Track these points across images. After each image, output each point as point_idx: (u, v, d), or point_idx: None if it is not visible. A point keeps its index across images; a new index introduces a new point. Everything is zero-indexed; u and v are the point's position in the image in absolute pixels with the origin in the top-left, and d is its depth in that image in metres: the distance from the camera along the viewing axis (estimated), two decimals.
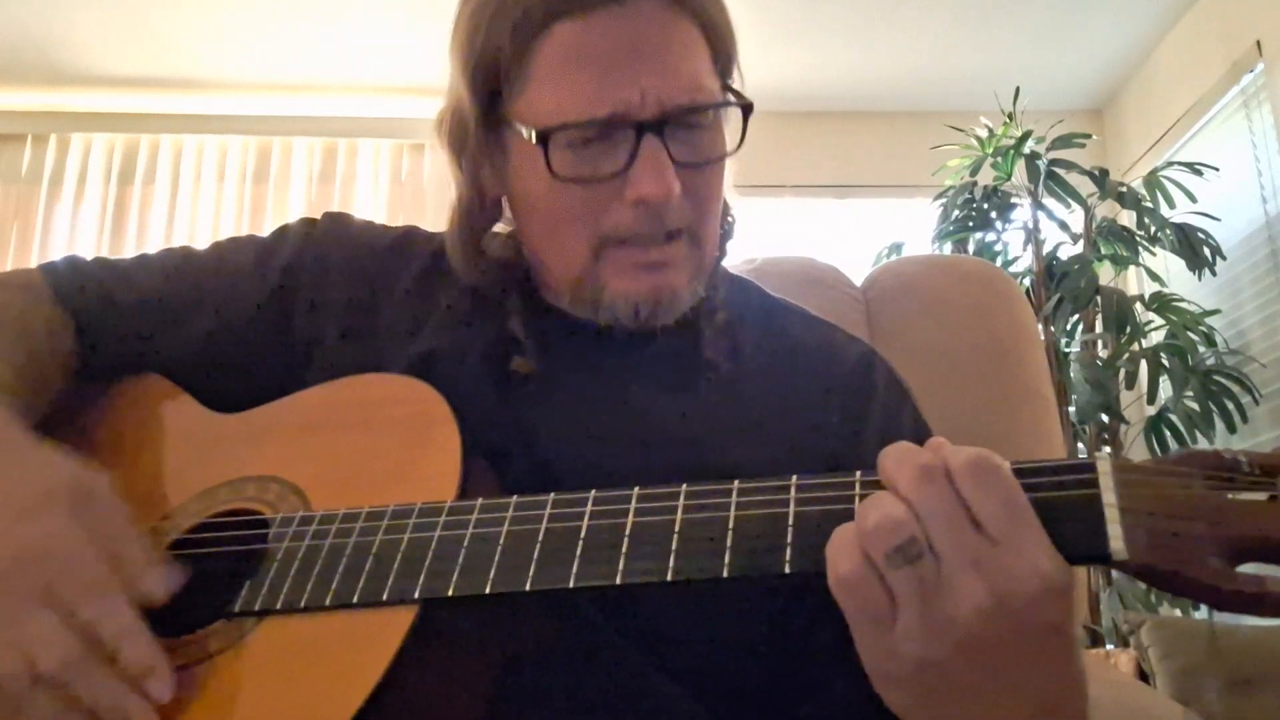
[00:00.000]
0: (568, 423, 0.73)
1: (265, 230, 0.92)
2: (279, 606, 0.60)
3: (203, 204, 3.94)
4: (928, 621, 0.45)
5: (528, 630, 0.64)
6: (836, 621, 0.49)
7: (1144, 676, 2.21)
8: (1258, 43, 3.14)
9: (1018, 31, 3.60)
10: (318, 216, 0.91)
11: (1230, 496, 0.44)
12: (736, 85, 0.78)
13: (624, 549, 0.54)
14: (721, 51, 0.74)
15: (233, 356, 0.82)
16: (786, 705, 0.69)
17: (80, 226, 3.88)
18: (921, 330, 1.21)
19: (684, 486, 0.56)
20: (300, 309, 0.83)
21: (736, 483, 0.54)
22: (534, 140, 0.69)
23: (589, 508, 0.57)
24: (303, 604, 0.59)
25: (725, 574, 0.51)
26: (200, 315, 0.83)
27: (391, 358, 0.76)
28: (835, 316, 1.24)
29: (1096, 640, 2.72)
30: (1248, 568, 0.45)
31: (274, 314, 0.83)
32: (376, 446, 0.69)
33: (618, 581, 0.53)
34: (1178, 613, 2.78)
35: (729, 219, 0.83)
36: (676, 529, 0.54)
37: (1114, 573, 2.80)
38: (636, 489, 0.57)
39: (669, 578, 0.52)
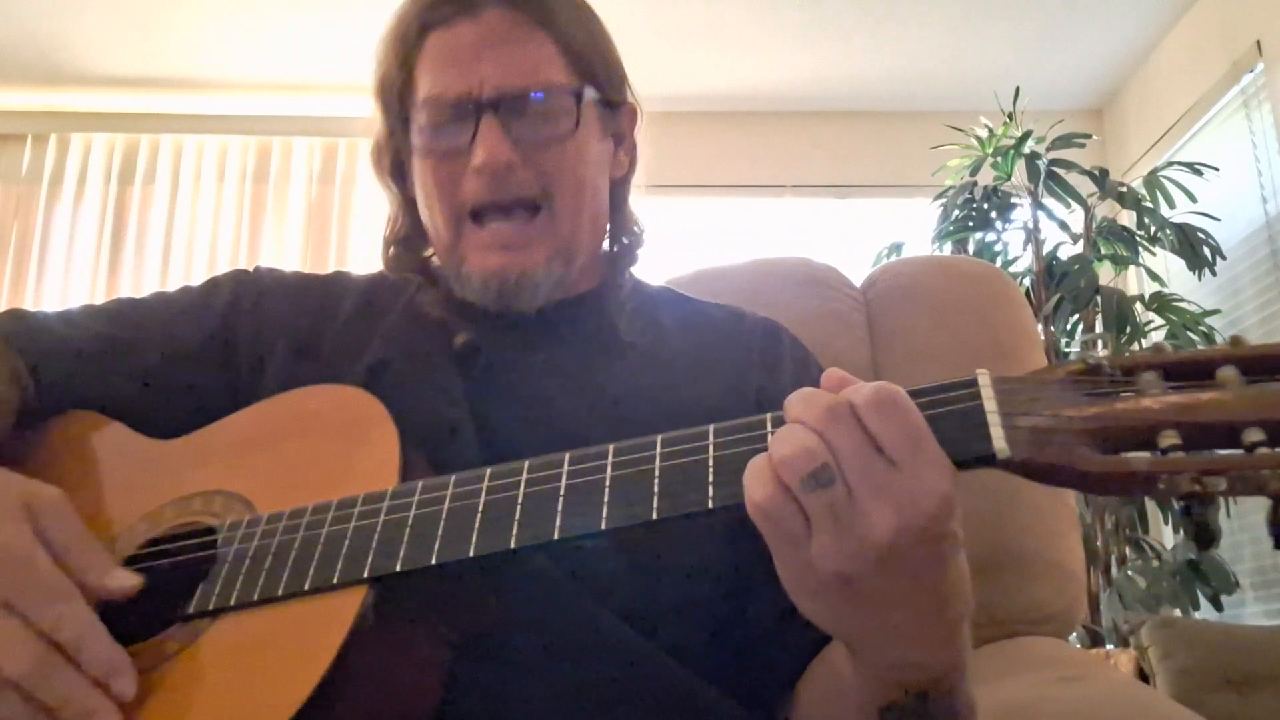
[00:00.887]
0: (512, 403, 0.79)
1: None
2: (232, 603, 0.61)
3: (203, 204, 3.93)
4: (840, 541, 0.49)
5: (477, 608, 0.65)
6: (764, 551, 0.53)
7: (1144, 676, 2.21)
8: (1258, 43, 3.15)
9: (1018, 31, 3.60)
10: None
11: (1095, 394, 0.49)
12: (630, 89, 0.91)
13: (559, 508, 0.57)
14: (576, 57, 0.84)
15: (179, 387, 0.84)
16: (731, 631, 0.75)
17: (80, 226, 3.88)
18: (921, 331, 1.21)
19: (611, 446, 0.59)
20: (245, 337, 0.87)
21: (659, 437, 0.58)
22: (398, 105, 0.84)
23: (524, 476, 0.60)
24: (255, 597, 0.61)
25: (655, 516, 0.55)
26: (146, 349, 0.85)
27: (342, 374, 0.80)
28: (835, 317, 1.25)
29: (1096, 640, 2.72)
30: None
31: (220, 344, 0.86)
32: (317, 452, 0.71)
33: (555, 537, 0.57)
34: (1177, 613, 2.78)
35: (635, 226, 0.93)
36: (607, 484, 0.57)
37: (1114, 573, 2.80)
38: (568, 454, 0.60)
39: (603, 527, 0.56)
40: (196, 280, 0.98)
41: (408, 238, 0.91)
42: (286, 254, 3.85)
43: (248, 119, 3.96)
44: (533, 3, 0.82)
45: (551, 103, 0.82)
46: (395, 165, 0.90)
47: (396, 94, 0.85)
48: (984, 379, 0.51)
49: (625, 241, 0.92)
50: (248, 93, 3.91)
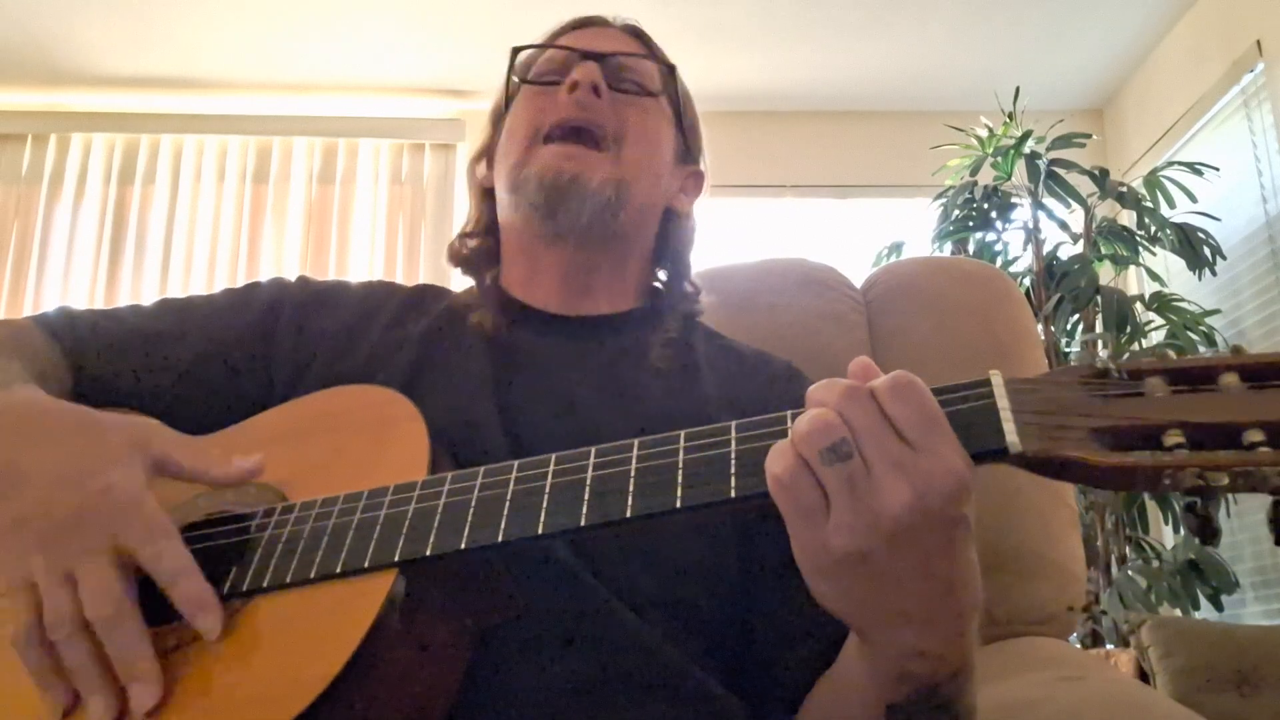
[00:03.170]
0: (541, 407, 0.82)
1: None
2: (265, 585, 0.63)
3: (203, 204, 3.93)
4: (857, 516, 0.50)
5: (502, 599, 0.67)
6: (781, 550, 0.55)
7: (1144, 676, 2.21)
8: (1258, 43, 3.15)
9: (1018, 31, 3.61)
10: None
11: (1103, 396, 0.51)
12: (705, 164, 1.02)
13: (586, 496, 0.59)
14: (671, 81, 0.98)
15: (218, 383, 0.87)
16: (746, 635, 0.77)
17: (80, 226, 3.88)
18: (921, 331, 1.21)
19: (636, 440, 0.60)
20: (285, 339, 0.89)
21: (682, 433, 0.60)
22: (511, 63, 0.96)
23: (551, 467, 0.62)
24: (288, 580, 0.62)
25: (679, 505, 0.56)
26: (186, 343, 0.88)
27: (377, 373, 0.83)
28: (835, 317, 1.25)
29: (1096, 640, 2.72)
30: None
31: (259, 343, 0.89)
32: (347, 446, 0.73)
33: (581, 524, 0.58)
34: (1178, 613, 2.78)
35: (688, 285, 0.98)
36: (633, 474, 0.59)
37: (1114, 572, 2.80)
38: (594, 447, 0.61)
39: (628, 514, 0.57)
40: (196, 281, 1.00)
41: (481, 233, 0.98)
42: (286, 254, 3.85)
43: (248, 119, 3.96)
44: (646, 36, 0.99)
45: (643, 71, 0.95)
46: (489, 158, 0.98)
47: (509, 101, 0.97)
48: (996, 379, 0.54)
49: (677, 287, 0.98)
50: (248, 93, 3.91)
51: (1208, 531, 0.48)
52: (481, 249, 0.98)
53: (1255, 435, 0.47)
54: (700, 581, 0.75)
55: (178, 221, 3.89)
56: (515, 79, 0.97)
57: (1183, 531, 2.83)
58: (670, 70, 0.97)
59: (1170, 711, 0.80)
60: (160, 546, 0.60)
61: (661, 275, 1.00)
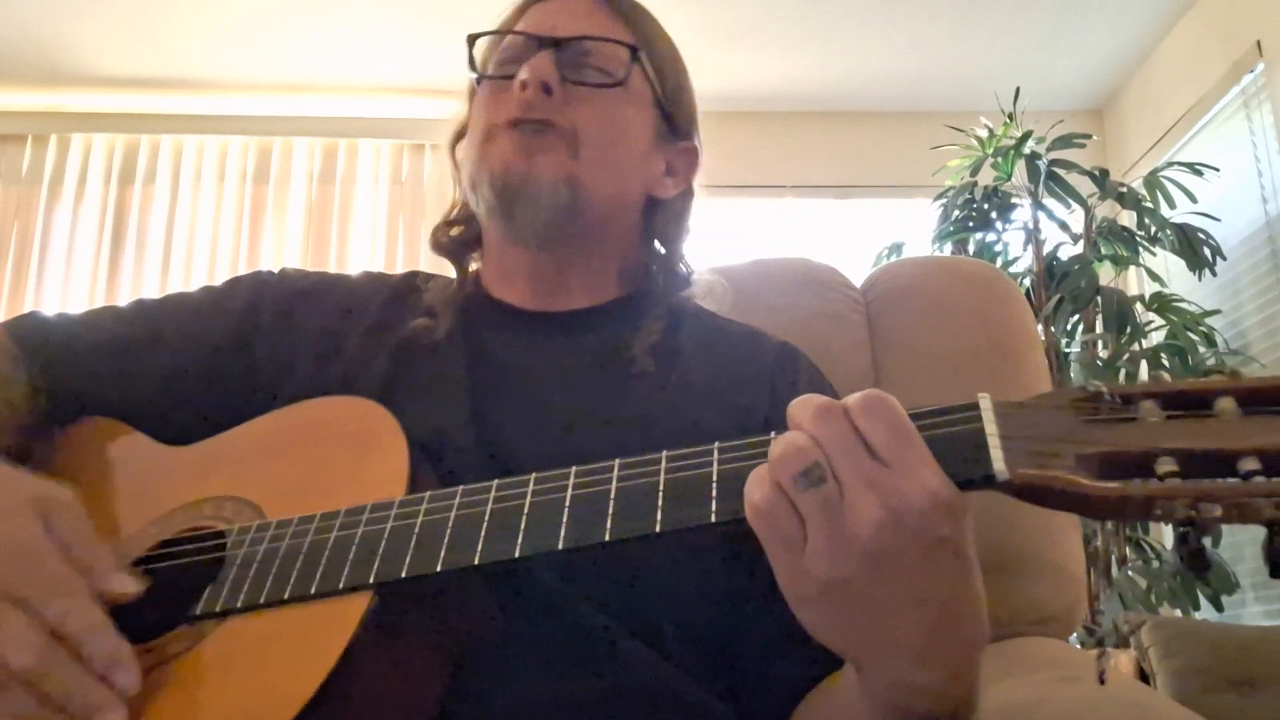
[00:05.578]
0: (515, 414, 0.79)
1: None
2: (239, 606, 0.62)
3: (203, 204, 3.93)
4: (833, 540, 0.49)
5: (480, 620, 0.66)
6: (766, 570, 0.53)
7: (1144, 676, 2.21)
8: (1258, 43, 3.14)
9: (1018, 31, 3.60)
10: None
11: (1095, 421, 0.50)
12: (698, 135, 0.96)
13: (564, 518, 0.58)
14: (645, 43, 0.90)
15: (194, 390, 0.84)
16: (740, 632, 0.75)
17: (80, 226, 3.88)
18: (921, 332, 1.21)
19: (616, 460, 0.59)
20: (263, 344, 0.86)
21: (664, 453, 0.58)
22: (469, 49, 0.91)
23: (530, 487, 0.61)
24: (261, 600, 0.61)
25: (658, 529, 0.55)
26: (162, 349, 0.85)
27: (357, 378, 0.81)
28: (835, 318, 1.25)
29: (1097, 640, 2.72)
30: None
31: (236, 347, 0.86)
32: (327, 460, 0.71)
33: (559, 547, 0.57)
34: (1178, 613, 2.78)
35: (682, 265, 0.95)
36: (612, 495, 0.58)
37: (1114, 573, 2.80)
38: (574, 468, 0.60)
39: (606, 538, 0.56)
40: (197, 280, 0.98)
41: (462, 221, 0.95)
42: (286, 254, 3.85)
43: (248, 119, 3.96)
44: (619, 3, 0.91)
45: (604, 56, 0.87)
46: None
47: (481, 69, 0.91)
48: (985, 403, 0.52)
49: (666, 272, 0.93)
50: (248, 93, 3.91)
51: (1200, 564, 0.47)
52: (462, 237, 0.95)
53: (1250, 464, 0.46)
54: (684, 596, 0.73)
55: (178, 221, 3.89)
56: (474, 74, 0.92)
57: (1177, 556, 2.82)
58: (633, 51, 0.88)
59: (1170, 712, 0.80)
60: (65, 605, 0.57)
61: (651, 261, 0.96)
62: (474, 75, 0.92)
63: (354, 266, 3.84)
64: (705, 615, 0.74)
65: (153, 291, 3.71)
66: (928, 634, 0.51)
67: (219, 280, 0.96)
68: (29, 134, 3.92)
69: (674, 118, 0.93)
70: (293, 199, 3.95)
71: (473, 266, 0.96)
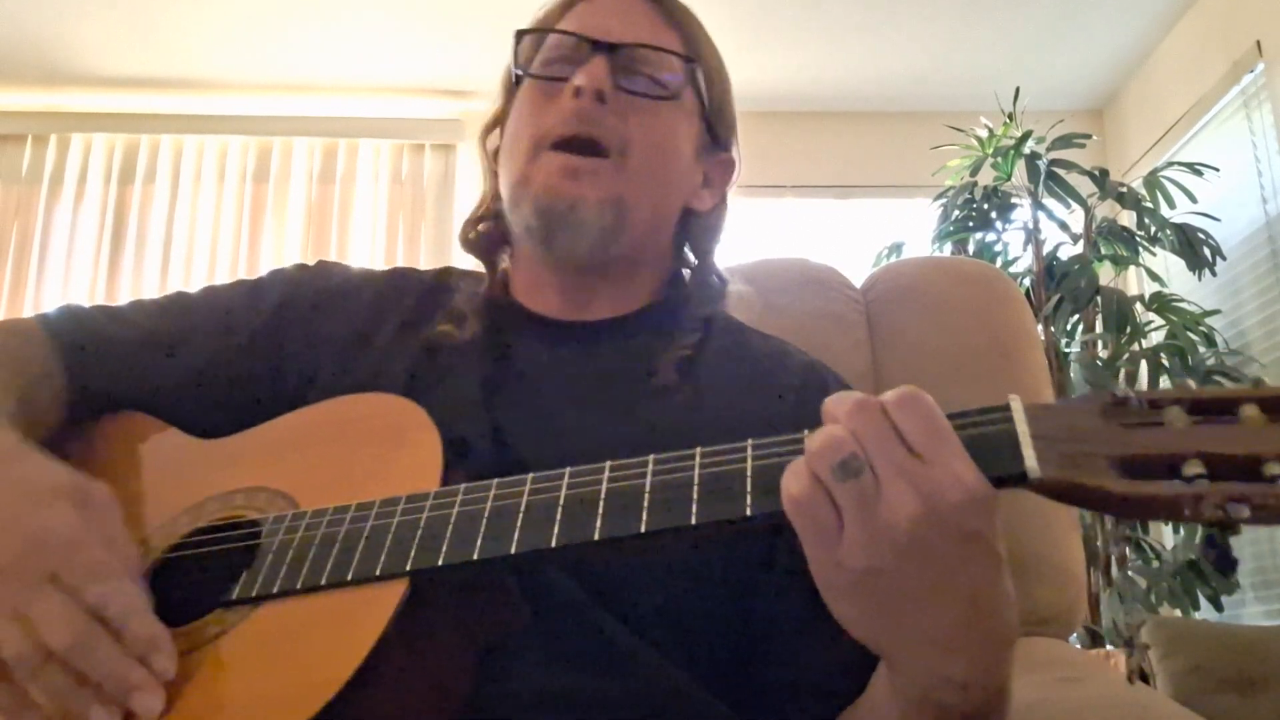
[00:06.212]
0: (532, 424, 0.79)
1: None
2: (275, 591, 0.62)
3: (203, 204, 3.93)
4: (870, 531, 0.50)
5: (509, 612, 0.67)
6: (802, 590, 0.54)
7: (1144, 677, 2.21)
8: (1258, 43, 3.14)
9: (1018, 31, 3.60)
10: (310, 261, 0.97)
11: (1124, 424, 0.51)
12: (737, 145, 0.95)
13: (600, 510, 0.58)
14: (695, 51, 0.89)
15: (224, 387, 0.85)
16: (756, 670, 0.74)
17: (80, 226, 3.88)
18: (921, 332, 1.21)
19: (651, 456, 0.60)
20: (294, 343, 0.86)
21: (699, 449, 0.59)
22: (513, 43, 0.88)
23: (565, 480, 0.61)
24: (298, 586, 0.62)
25: (694, 521, 0.55)
26: (193, 346, 0.86)
27: (380, 377, 0.81)
28: (835, 318, 1.25)
29: (1096, 640, 2.72)
30: None
31: (267, 345, 0.86)
32: (358, 453, 0.72)
33: (595, 538, 0.57)
34: (1178, 613, 2.78)
35: (714, 276, 0.94)
36: (647, 489, 0.58)
37: (1114, 573, 2.80)
38: (609, 462, 0.60)
39: (642, 529, 0.56)
40: (197, 281, 0.98)
41: (492, 217, 0.92)
42: (286, 254, 3.84)
43: (248, 119, 3.95)
44: (670, 4, 0.89)
45: (659, 67, 0.85)
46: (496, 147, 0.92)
47: (525, 65, 0.88)
48: (1016, 404, 0.53)
49: (698, 283, 0.92)
50: (248, 93, 3.91)
51: (1226, 563, 0.48)
52: (491, 234, 0.92)
53: (1276, 468, 0.47)
54: (704, 607, 0.73)
55: (178, 221, 3.89)
56: (518, 71, 0.89)
57: (1182, 532, 2.82)
58: (688, 61, 0.87)
59: (1170, 712, 0.80)
60: (105, 588, 0.59)
61: (684, 270, 0.94)
62: (516, 70, 0.89)
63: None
64: (722, 627, 0.74)
65: (153, 292, 3.71)
66: (957, 626, 0.52)
67: (218, 280, 0.95)
68: (29, 134, 3.92)
69: (716, 129, 0.92)
70: (293, 199, 3.95)
71: (503, 263, 0.94)
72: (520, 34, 0.90)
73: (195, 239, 3.87)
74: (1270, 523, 0.47)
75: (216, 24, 3.53)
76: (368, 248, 3.91)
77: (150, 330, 0.87)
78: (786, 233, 3.91)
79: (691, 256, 0.95)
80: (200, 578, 0.66)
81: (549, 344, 0.86)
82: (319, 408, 0.78)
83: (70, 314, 0.87)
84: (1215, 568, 0.48)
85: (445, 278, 0.94)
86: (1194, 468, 0.48)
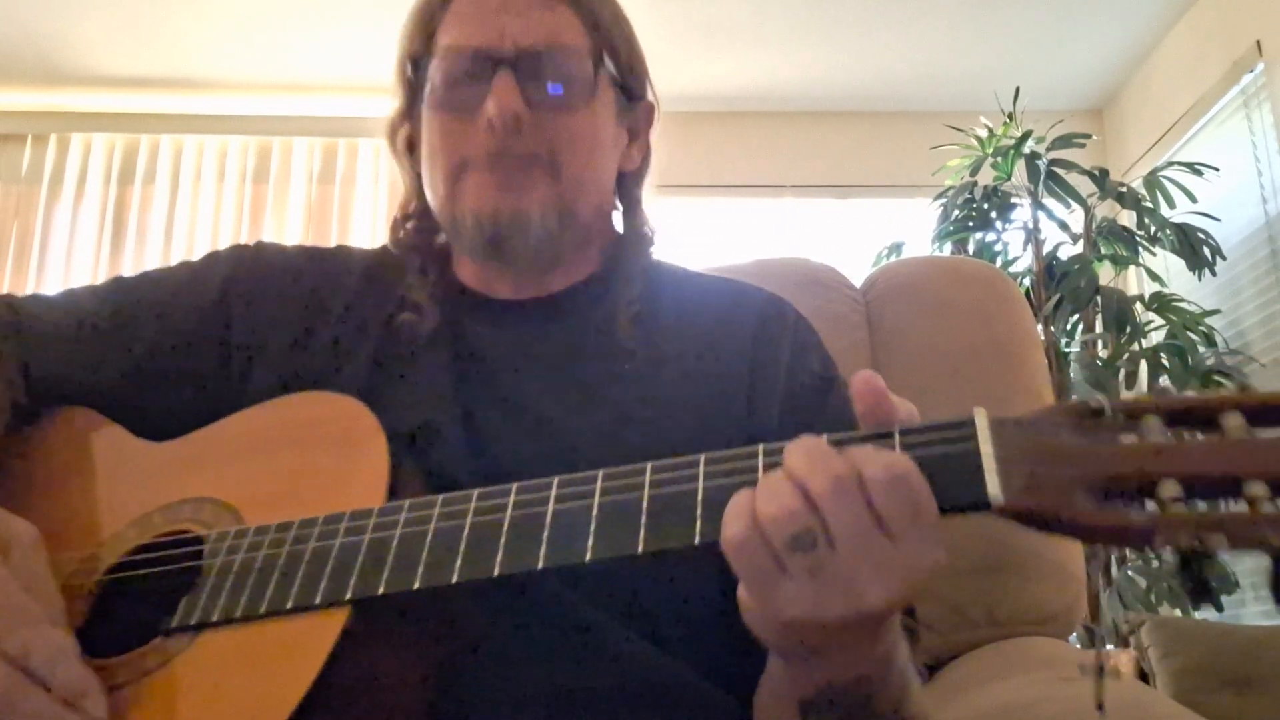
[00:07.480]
0: (502, 406, 0.77)
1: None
2: (215, 619, 0.61)
3: (203, 204, 3.93)
4: (819, 594, 0.49)
5: (462, 626, 0.66)
6: None
7: (1144, 676, 2.21)
8: (1258, 43, 3.14)
9: (1018, 31, 3.60)
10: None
11: (1097, 438, 0.48)
12: (651, 86, 0.90)
13: (545, 536, 0.57)
14: (598, 31, 0.84)
15: (172, 371, 0.83)
16: (755, 660, 0.73)
17: (80, 226, 3.88)
18: (921, 332, 1.21)
19: (600, 472, 0.58)
20: (240, 322, 0.84)
21: (649, 465, 0.57)
22: (415, 77, 0.84)
23: (511, 498, 0.59)
24: (238, 614, 0.60)
25: (640, 550, 0.54)
26: (139, 329, 0.84)
27: (334, 370, 0.80)
28: (835, 317, 1.25)
29: (1097, 640, 2.72)
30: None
31: (214, 325, 0.84)
32: (308, 464, 0.70)
33: (539, 567, 0.56)
34: (1177, 613, 2.78)
35: (646, 227, 0.91)
36: (594, 513, 0.56)
37: (1114, 572, 2.80)
38: (556, 478, 0.59)
39: (587, 558, 0.55)
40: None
41: (419, 214, 0.89)
42: None
43: (248, 119, 3.96)
44: None
45: (569, 66, 0.81)
46: (409, 141, 0.88)
47: (415, 64, 0.85)
48: (981, 420, 0.50)
49: (633, 236, 0.90)
50: (248, 93, 3.91)
51: (1202, 592, 0.45)
52: (422, 229, 0.89)
53: (1257, 489, 0.44)
54: (682, 589, 0.73)
55: (178, 221, 3.89)
56: (413, 87, 0.85)
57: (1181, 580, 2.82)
58: (595, 54, 0.83)
59: (1170, 712, 0.80)
60: (27, 635, 0.56)
61: (618, 228, 0.92)
62: (417, 83, 0.84)
63: None
64: (704, 607, 0.73)
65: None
66: (858, 644, 0.54)
67: None
68: (29, 134, 3.92)
69: (630, 87, 0.88)
70: (292, 199, 3.95)
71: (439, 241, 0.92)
72: (412, 60, 0.85)
73: (195, 239, 3.87)
74: (1249, 549, 0.43)
75: (216, 24, 3.53)
76: (367, 247, 3.90)
77: (97, 315, 0.84)
78: (786, 233, 3.91)
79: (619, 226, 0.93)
80: (142, 602, 0.64)
81: (507, 326, 0.84)
82: (269, 408, 0.76)
83: (6, 304, 0.85)
84: (1190, 596, 0.45)
85: (384, 257, 0.91)
86: (1170, 489, 0.45)
